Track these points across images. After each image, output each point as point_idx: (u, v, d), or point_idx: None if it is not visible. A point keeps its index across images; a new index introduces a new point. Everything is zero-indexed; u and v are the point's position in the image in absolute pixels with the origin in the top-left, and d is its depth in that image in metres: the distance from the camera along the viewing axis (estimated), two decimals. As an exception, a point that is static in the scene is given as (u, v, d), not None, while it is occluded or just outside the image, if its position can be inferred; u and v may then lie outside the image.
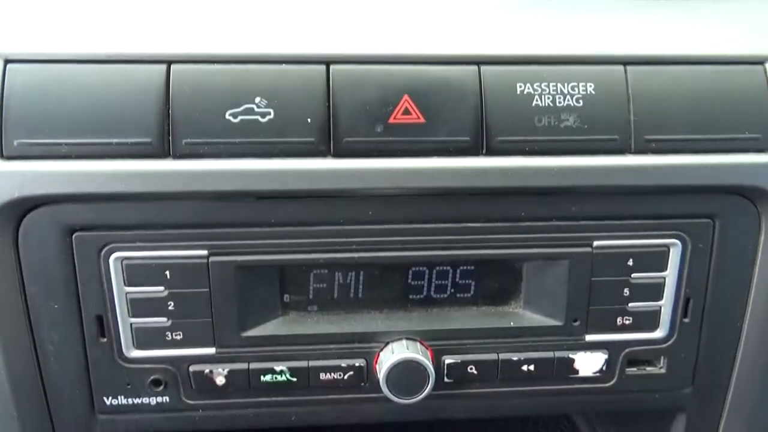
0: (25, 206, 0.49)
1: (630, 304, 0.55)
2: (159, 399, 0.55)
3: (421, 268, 0.56)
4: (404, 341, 0.54)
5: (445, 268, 0.56)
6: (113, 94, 0.47)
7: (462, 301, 0.57)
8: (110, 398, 0.54)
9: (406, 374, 0.53)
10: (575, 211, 0.53)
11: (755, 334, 0.57)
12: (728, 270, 0.55)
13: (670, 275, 0.55)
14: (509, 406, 0.58)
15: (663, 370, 0.58)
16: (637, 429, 0.66)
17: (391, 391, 0.54)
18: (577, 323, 0.55)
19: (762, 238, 0.55)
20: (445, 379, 0.56)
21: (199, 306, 0.52)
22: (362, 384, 0.55)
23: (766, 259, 0.55)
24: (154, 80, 0.47)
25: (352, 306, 0.56)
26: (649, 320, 0.56)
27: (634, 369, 0.58)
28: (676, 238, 0.54)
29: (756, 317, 0.56)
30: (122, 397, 0.54)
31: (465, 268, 0.56)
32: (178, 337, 0.53)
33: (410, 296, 0.56)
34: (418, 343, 0.54)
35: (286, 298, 0.55)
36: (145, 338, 0.53)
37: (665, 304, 0.56)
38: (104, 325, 0.52)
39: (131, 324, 0.53)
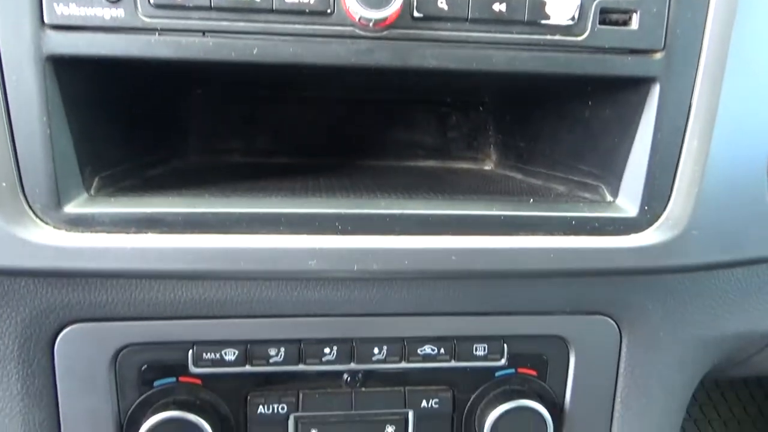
0: None
1: (602, -55, 0.55)
2: (113, 12, 0.52)
3: None
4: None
5: None
6: None
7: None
8: (60, 5, 0.51)
9: (374, -21, 0.52)
10: None
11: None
12: None
13: None
14: (480, 58, 0.56)
15: (635, 27, 0.57)
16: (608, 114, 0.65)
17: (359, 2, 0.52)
18: (548, -39, 0.55)
19: None
20: (415, 14, 0.54)
21: None
22: (328, 11, 0.54)
23: None
24: None
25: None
26: (621, -33, 0.56)
27: (607, 26, 0.57)
28: None
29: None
30: (74, 5, 0.51)
31: None
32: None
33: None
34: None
35: None
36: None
37: (636, -52, 0.56)
38: None
39: None
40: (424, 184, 0.76)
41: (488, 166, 0.98)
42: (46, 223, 0.55)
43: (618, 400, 0.77)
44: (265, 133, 0.96)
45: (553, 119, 0.78)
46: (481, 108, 1.00)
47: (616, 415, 0.78)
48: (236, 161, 0.94)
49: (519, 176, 0.86)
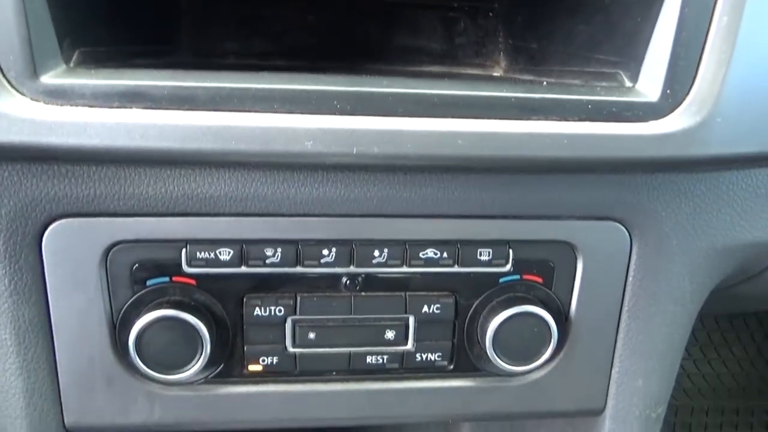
0: None
1: None
2: None
3: None
4: None
5: None
6: None
7: None
8: None
9: None
10: None
11: None
12: None
13: None
14: None
15: None
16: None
17: None
18: None
19: None
20: None
21: None
22: None
23: None
24: None
25: None
26: None
27: None
28: None
29: None
30: None
31: None
32: None
33: None
34: None
35: None
36: None
37: None
38: None
39: None
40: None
41: (497, 73, 0.93)
42: (23, 94, 0.51)
43: (625, 309, 0.75)
44: (262, 36, 0.90)
45: (568, 13, 0.73)
46: (490, 14, 0.94)
47: (623, 324, 0.76)
48: (231, 62, 0.89)
49: (530, 77, 0.82)
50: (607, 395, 0.79)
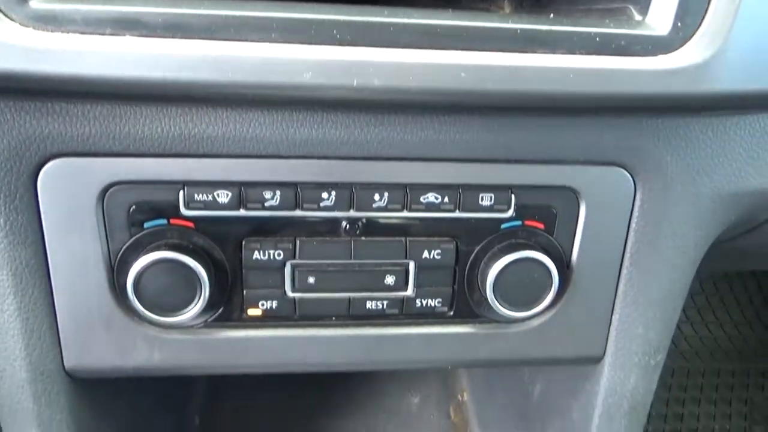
0: None
1: None
2: None
3: None
4: None
5: None
6: None
7: None
8: None
9: None
10: None
11: None
12: None
13: None
14: None
15: None
16: None
17: None
18: None
19: None
20: None
21: None
22: None
23: None
24: None
25: None
26: None
27: None
28: None
29: None
30: None
31: None
32: None
33: None
34: None
35: None
36: None
37: None
38: None
39: None
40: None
41: (501, 18, 0.90)
42: (11, 20, 0.49)
43: (627, 256, 0.74)
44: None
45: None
46: (495, -42, 0.92)
47: (624, 271, 0.75)
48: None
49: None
50: (606, 342, 0.79)
